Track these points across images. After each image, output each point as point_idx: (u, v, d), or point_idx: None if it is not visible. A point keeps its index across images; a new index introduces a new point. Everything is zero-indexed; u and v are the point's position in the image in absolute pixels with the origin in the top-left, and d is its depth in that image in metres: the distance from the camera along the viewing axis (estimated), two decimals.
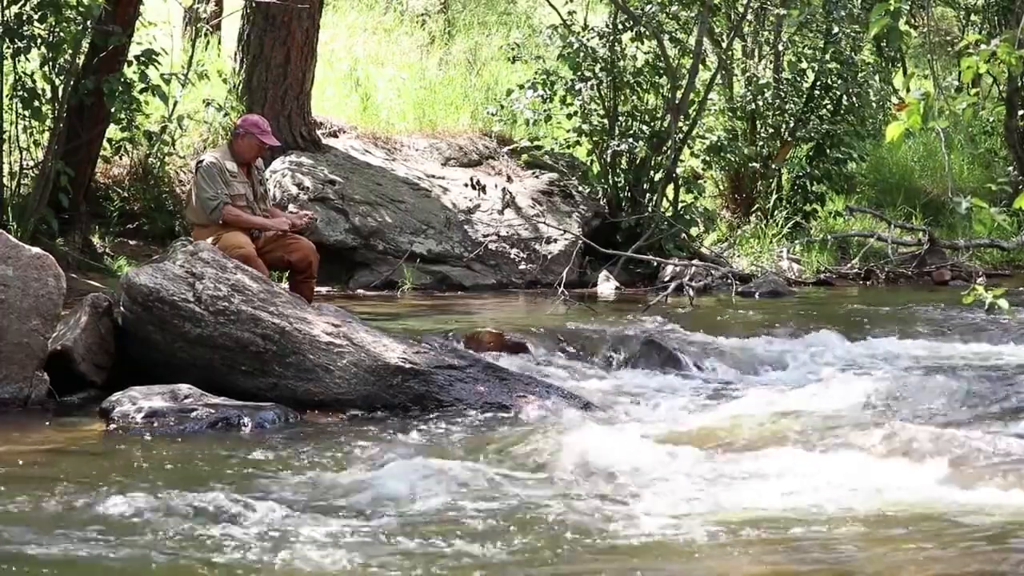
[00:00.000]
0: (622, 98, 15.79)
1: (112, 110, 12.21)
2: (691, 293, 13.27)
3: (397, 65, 18.20)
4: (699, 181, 16.17)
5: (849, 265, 16.00)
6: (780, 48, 17.70)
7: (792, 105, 17.24)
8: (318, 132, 15.02)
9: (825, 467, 6.61)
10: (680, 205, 15.74)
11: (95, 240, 12.91)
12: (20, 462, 6.70)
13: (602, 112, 15.77)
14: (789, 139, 17.19)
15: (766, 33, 18.11)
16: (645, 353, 9.83)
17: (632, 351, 9.86)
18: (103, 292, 9.25)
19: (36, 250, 8.27)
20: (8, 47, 11.70)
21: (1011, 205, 7.58)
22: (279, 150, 14.28)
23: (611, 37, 15.76)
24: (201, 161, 9.63)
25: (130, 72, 12.43)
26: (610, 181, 15.70)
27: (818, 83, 17.22)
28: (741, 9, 16.98)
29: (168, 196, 13.83)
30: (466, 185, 14.95)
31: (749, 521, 5.71)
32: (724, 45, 17.28)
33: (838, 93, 17.20)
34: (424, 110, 16.57)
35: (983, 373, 9.43)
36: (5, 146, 12.01)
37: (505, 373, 8.55)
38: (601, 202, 15.68)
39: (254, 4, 14.17)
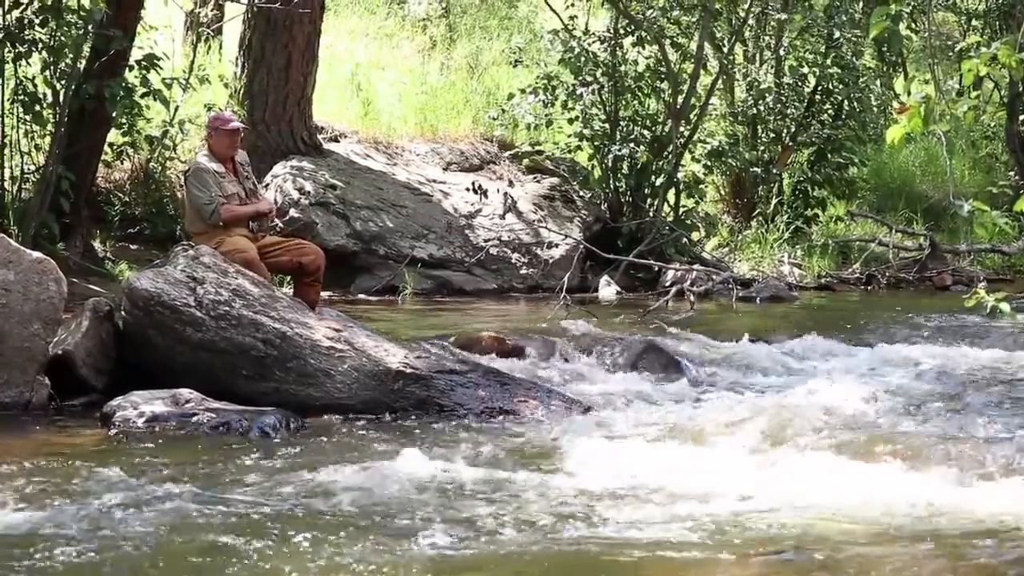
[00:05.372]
0: (623, 103, 15.79)
1: (113, 114, 12.21)
2: (692, 298, 13.27)
3: (398, 70, 18.19)
4: (700, 186, 16.17)
5: (850, 270, 15.99)
6: (781, 53, 17.70)
7: (793, 110, 17.24)
8: (319, 137, 15.02)
9: (825, 472, 6.61)
10: (681, 210, 15.75)
11: (96, 244, 12.91)
12: (21, 466, 6.69)
13: (603, 117, 15.77)
14: (790, 144, 17.19)
15: (767, 38, 18.10)
16: (646, 358, 9.83)
17: (633, 356, 9.86)
18: (104, 297, 9.25)
19: (37, 255, 8.27)
20: (9, 51, 11.70)
21: (1012, 209, 7.58)
22: (280, 154, 14.30)
23: (612, 42, 15.77)
24: (188, 170, 9.60)
25: (131, 76, 12.43)
26: (611, 186, 15.70)
27: (819, 88, 17.23)
28: (742, 14, 16.99)
29: (169, 200, 13.84)
30: (467, 190, 14.95)
31: (749, 525, 5.71)
32: (725, 50, 17.28)
33: (839, 98, 17.21)
34: (425, 115, 16.57)
35: (984, 377, 9.43)
36: (6, 151, 12.02)
37: (506, 378, 8.55)
38: (602, 207, 15.69)
39: (255, 9, 14.18)
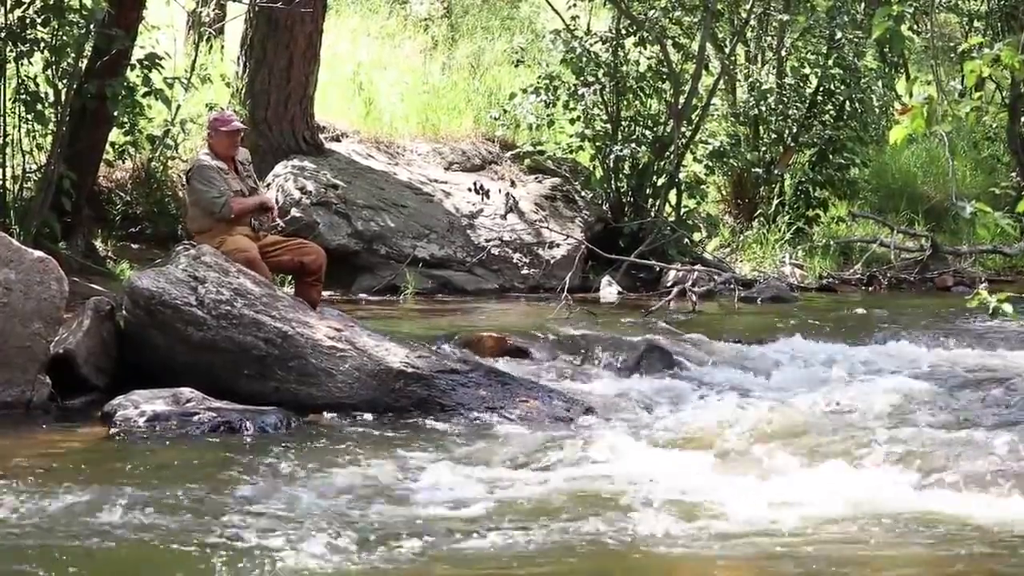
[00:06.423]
0: (625, 103, 15.79)
1: (115, 114, 12.20)
2: (694, 298, 13.26)
3: (400, 69, 18.18)
4: (702, 186, 16.15)
5: (852, 271, 15.98)
6: (783, 53, 17.69)
7: (795, 110, 17.23)
8: (321, 136, 15.02)
9: (826, 473, 6.61)
10: (683, 210, 15.73)
11: (97, 244, 12.90)
12: (22, 465, 6.70)
13: (605, 117, 15.77)
14: (792, 144, 17.18)
15: (769, 38, 18.10)
16: (647, 358, 9.83)
17: (634, 356, 9.86)
18: (105, 296, 9.25)
19: (39, 254, 8.27)
20: (11, 51, 11.70)
21: (1014, 210, 7.57)
22: (281, 154, 14.29)
23: (614, 42, 15.76)
24: (191, 168, 9.58)
25: (133, 76, 12.43)
26: (613, 186, 15.69)
27: (821, 88, 17.22)
28: (744, 14, 16.98)
29: (171, 200, 13.84)
30: (469, 190, 14.94)
31: (749, 526, 5.71)
32: (727, 50, 17.28)
33: (841, 99, 17.20)
34: (427, 114, 16.57)
35: (985, 378, 9.42)
36: (8, 150, 12.01)
37: (507, 378, 8.55)
38: (604, 207, 15.68)
39: (257, 8, 14.17)
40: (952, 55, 21.34)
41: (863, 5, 17.62)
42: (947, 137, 9.26)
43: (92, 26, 11.49)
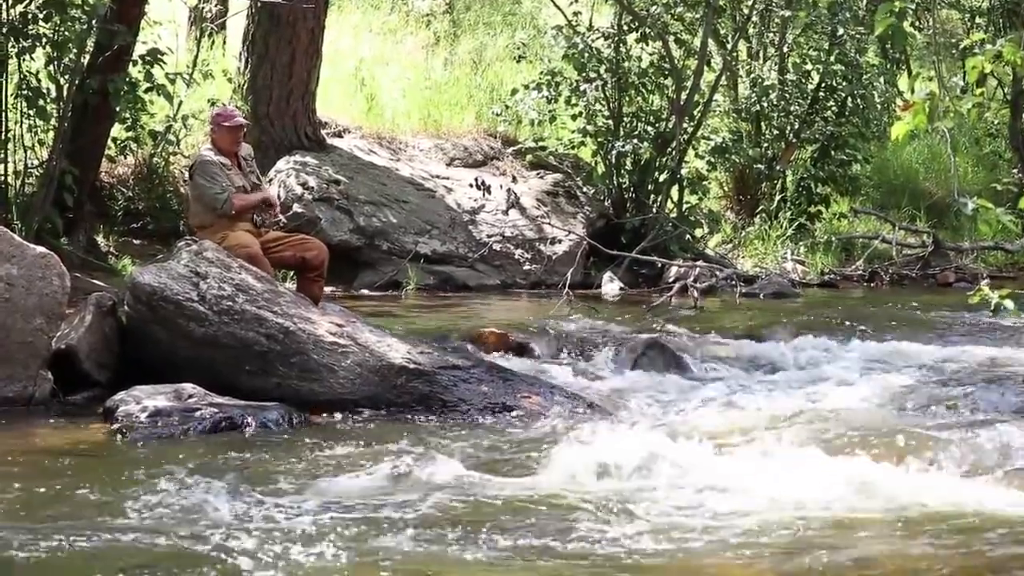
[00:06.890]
0: (627, 99, 15.78)
1: (117, 109, 12.20)
2: (695, 294, 13.25)
3: (402, 65, 18.19)
4: (703, 182, 16.15)
5: (853, 267, 15.98)
6: (785, 50, 17.69)
7: (797, 107, 17.24)
8: (323, 132, 15.02)
9: (827, 469, 6.61)
10: (684, 206, 15.73)
11: (99, 239, 12.91)
12: (23, 461, 6.70)
13: (607, 113, 15.76)
14: (794, 141, 17.18)
15: (771, 35, 18.10)
16: (649, 354, 9.83)
17: (636, 352, 9.86)
18: (107, 291, 9.25)
19: (41, 249, 8.27)
20: (13, 46, 11.70)
21: (1016, 206, 7.57)
22: (283, 149, 14.29)
23: (616, 38, 15.76)
24: (194, 164, 9.56)
25: (135, 71, 12.44)
26: (615, 182, 15.69)
27: (823, 85, 17.22)
28: (746, 10, 16.98)
29: (173, 195, 13.84)
30: (471, 185, 14.94)
31: (751, 522, 5.71)
32: (729, 46, 17.27)
33: (843, 95, 17.20)
34: (429, 110, 16.57)
35: (986, 374, 9.42)
36: (10, 145, 12.02)
37: (509, 374, 8.55)
38: (605, 203, 15.68)
39: (259, 4, 14.17)
40: (954, 51, 21.33)
41: (865, 1, 17.61)
42: (949, 133, 9.25)
43: (94, 21, 11.50)
